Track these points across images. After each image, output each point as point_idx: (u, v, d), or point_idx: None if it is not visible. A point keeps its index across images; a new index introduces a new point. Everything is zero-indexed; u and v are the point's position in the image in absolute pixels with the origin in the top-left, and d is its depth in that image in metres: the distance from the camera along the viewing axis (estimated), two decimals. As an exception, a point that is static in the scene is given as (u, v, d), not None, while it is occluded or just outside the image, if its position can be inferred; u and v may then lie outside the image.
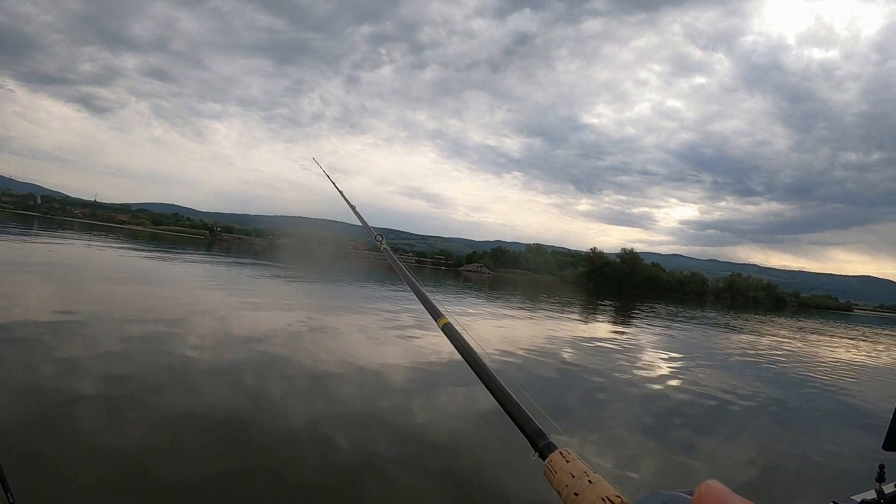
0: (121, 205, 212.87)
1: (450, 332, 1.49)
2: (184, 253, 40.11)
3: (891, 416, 2.75)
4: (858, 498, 2.91)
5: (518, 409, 1.11)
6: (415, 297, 1.90)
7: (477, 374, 1.28)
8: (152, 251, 36.99)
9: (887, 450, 2.76)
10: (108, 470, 4.06)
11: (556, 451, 0.93)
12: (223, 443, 4.87)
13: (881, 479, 2.83)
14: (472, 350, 1.36)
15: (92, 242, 38.82)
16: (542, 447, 0.98)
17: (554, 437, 0.99)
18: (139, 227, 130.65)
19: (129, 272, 20.40)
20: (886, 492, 2.86)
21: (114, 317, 10.19)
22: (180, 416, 5.35)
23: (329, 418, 5.96)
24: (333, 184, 4.23)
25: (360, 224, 3.44)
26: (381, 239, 2.79)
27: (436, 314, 1.61)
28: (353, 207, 3.66)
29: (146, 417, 5.20)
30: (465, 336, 1.44)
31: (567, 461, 0.89)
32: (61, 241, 33.73)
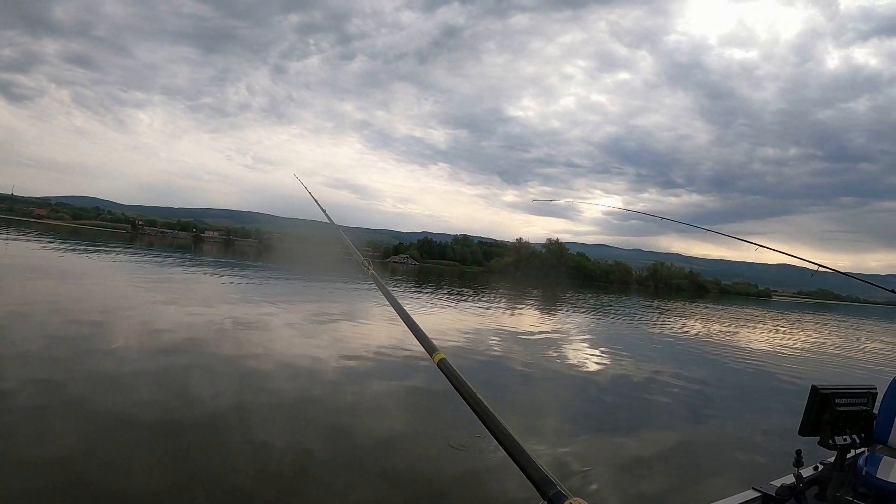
0: (40, 198, 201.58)
1: (446, 368, 1.43)
2: (109, 249, 38.68)
3: (805, 401, 2.83)
4: (778, 483, 2.94)
5: (523, 454, 1.07)
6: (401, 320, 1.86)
7: (477, 416, 1.24)
8: (75, 247, 35.53)
9: (803, 435, 2.83)
10: (35, 482, 3.86)
11: (567, 501, 0.92)
12: (155, 449, 4.66)
13: (799, 463, 2.87)
14: (471, 388, 1.31)
15: (9, 238, 37.25)
16: (552, 496, 0.96)
17: (562, 486, 0.97)
18: (58, 222, 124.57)
19: (49, 269, 19.51)
20: (805, 475, 2.92)
21: (33, 317, 9.80)
22: (110, 421, 5.10)
23: (261, 414, 5.88)
24: (317, 202, 4.29)
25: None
26: (368, 265, 2.79)
27: (430, 349, 1.54)
28: (337, 226, 3.76)
29: (73, 424, 4.94)
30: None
31: None
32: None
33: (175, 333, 9.67)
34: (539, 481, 0.99)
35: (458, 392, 1.32)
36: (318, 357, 9.06)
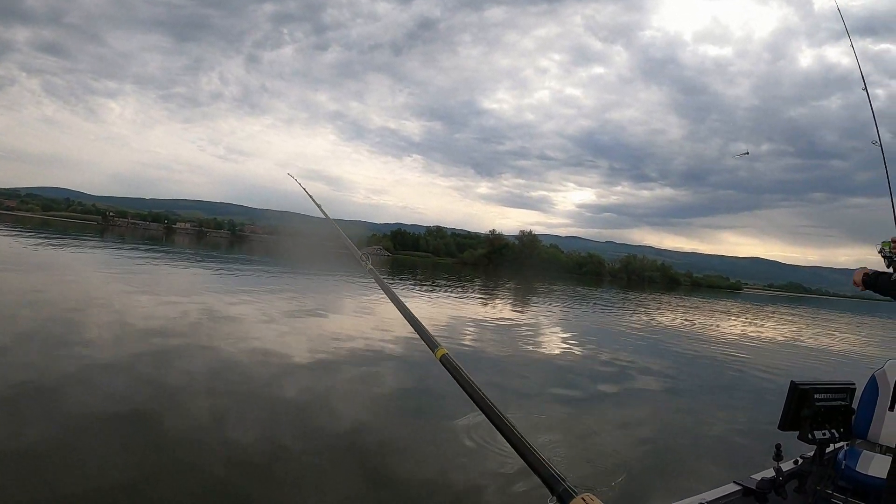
0: (8, 189, 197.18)
1: (449, 363, 1.43)
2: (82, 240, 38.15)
3: (785, 396, 2.85)
4: (758, 476, 2.95)
5: (530, 451, 1.08)
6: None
7: (483, 412, 1.25)
8: (47, 239, 35.00)
9: (783, 430, 2.84)
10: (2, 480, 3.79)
11: (578, 497, 0.92)
12: (127, 444, 4.60)
13: (778, 457, 2.90)
14: (474, 383, 1.32)
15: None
16: (561, 492, 0.96)
17: (568, 483, 0.97)
18: (28, 214, 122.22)
19: (19, 262, 19.23)
20: (785, 469, 2.93)
21: (1, 310, 9.69)
22: (81, 416, 5.02)
23: (235, 405, 5.91)
24: (312, 198, 4.25)
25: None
26: (366, 260, 2.85)
27: (432, 345, 1.55)
28: (333, 221, 3.77)
29: (41, 419, 4.87)
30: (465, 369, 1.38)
31: None
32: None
33: (157, 326, 9.57)
34: (547, 478, 1.00)
35: (462, 388, 1.33)
36: (318, 350, 9.14)
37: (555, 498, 0.95)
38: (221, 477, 4.25)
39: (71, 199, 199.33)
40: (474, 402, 1.28)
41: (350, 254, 3.20)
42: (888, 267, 2.98)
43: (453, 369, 1.40)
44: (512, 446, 1.11)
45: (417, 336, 1.76)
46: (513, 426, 1.15)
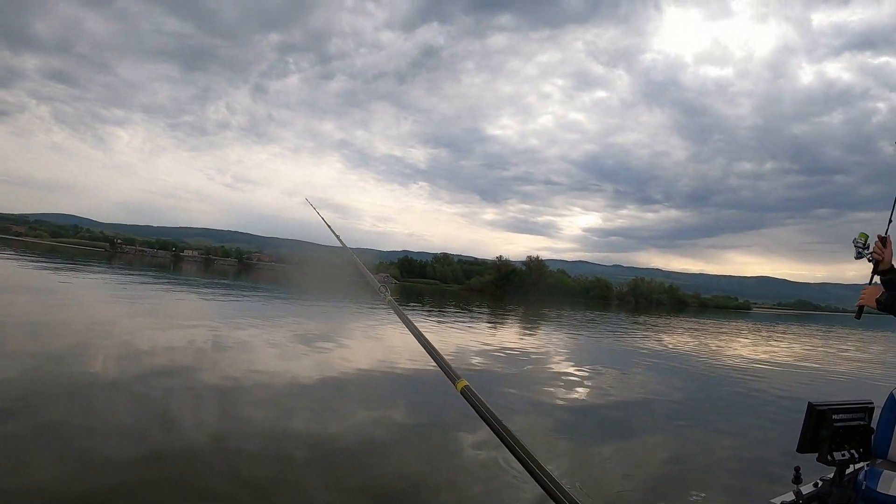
0: (17, 215, 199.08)
1: (470, 396, 1.41)
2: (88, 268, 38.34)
3: (803, 418, 2.79)
4: (777, 500, 2.93)
5: (560, 488, 1.07)
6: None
7: (506, 446, 1.23)
8: (54, 265, 35.22)
9: (801, 452, 2.78)
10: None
11: None
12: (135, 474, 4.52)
13: (798, 480, 2.86)
14: (496, 416, 1.30)
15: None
16: None
17: None
18: (36, 240, 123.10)
19: (28, 287, 19.51)
20: (804, 492, 2.89)
21: (9, 336, 9.73)
22: (87, 446, 4.95)
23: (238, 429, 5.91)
24: (331, 230, 4.13)
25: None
26: (384, 290, 2.78)
27: (453, 377, 1.52)
28: (351, 251, 3.68)
29: (51, 454, 4.77)
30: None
31: None
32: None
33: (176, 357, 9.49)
34: None
35: (484, 420, 1.31)
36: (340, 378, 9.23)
37: None
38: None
39: (79, 226, 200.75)
40: (496, 435, 1.26)
41: (363, 281, 3.17)
42: (857, 258, 3.02)
43: (475, 402, 1.37)
44: (536, 481, 1.10)
45: (436, 366, 1.73)
46: (539, 462, 1.13)
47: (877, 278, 3.02)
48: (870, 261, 2.99)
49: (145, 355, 9.47)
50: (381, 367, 10.54)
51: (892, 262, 2.95)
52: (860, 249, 3.00)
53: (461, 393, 1.42)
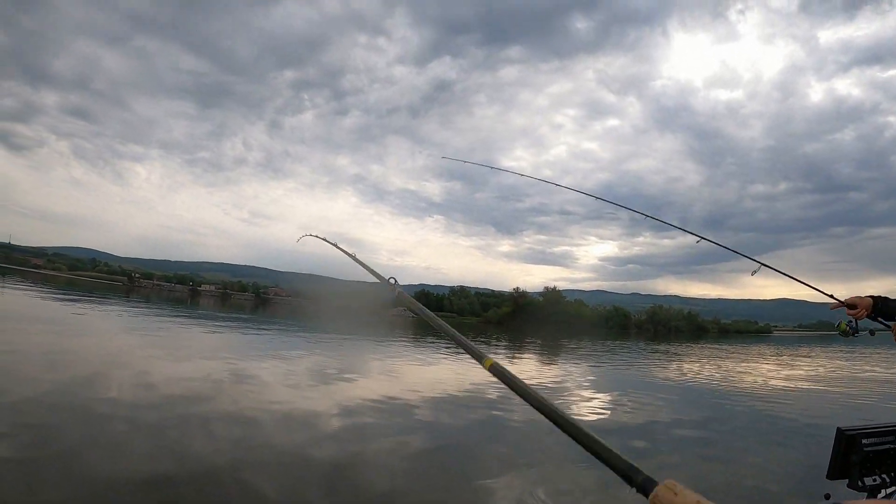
0: (36, 248, 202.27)
1: (498, 371, 1.42)
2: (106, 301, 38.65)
3: (832, 443, 2.73)
4: None
5: (601, 446, 1.04)
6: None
7: (544, 414, 1.20)
8: (73, 298, 35.54)
9: (831, 479, 2.72)
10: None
11: (661, 485, 0.89)
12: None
13: None
14: (527, 386, 1.30)
15: (4, 286, 37.16)
16: (642, 482, 0.94)
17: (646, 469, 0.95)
18: (54, 272, 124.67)
19: (49, 320, 19.80)
20: None
21: (25, 367, 9.77)
22: (102, 476, 4.97)
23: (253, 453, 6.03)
24: (364, 265, 4.04)
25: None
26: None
27: (479, 356, 1.54)
28: (398, 288, 3.60)
29: (65, 480, 4.83)
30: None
31: (675, 493, 0.87)
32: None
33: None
34: (625, 470, 0.96)
35: (517, 392, 1.29)
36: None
37: (634, 489, 0.91)
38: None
39: (97, 260, 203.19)
40: (531, 404, 1.21)
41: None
42: (855, 335, 3.11)
43: (503, 376, 1.37)
44: (579, 443, 1.05)
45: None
46: (577, 423, 1.10)
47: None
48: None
49: (162, 385, 9.50)
50: (401, 398, 10.48)
51: (870, 296, 3.00)
52: (851, 332, 3.08)
53: (489, 370, 1.42)
